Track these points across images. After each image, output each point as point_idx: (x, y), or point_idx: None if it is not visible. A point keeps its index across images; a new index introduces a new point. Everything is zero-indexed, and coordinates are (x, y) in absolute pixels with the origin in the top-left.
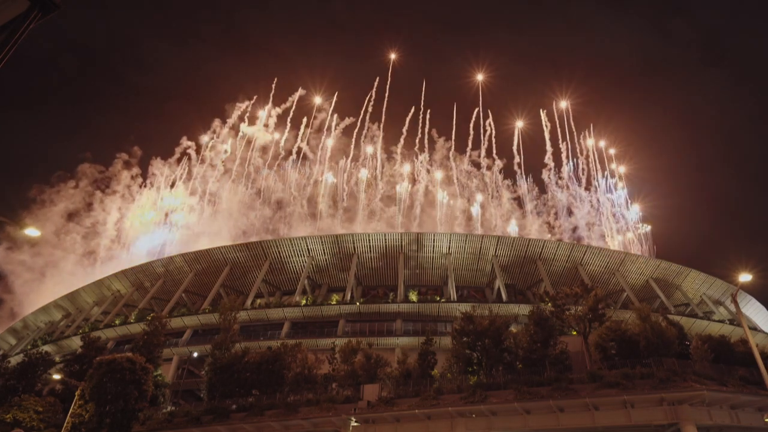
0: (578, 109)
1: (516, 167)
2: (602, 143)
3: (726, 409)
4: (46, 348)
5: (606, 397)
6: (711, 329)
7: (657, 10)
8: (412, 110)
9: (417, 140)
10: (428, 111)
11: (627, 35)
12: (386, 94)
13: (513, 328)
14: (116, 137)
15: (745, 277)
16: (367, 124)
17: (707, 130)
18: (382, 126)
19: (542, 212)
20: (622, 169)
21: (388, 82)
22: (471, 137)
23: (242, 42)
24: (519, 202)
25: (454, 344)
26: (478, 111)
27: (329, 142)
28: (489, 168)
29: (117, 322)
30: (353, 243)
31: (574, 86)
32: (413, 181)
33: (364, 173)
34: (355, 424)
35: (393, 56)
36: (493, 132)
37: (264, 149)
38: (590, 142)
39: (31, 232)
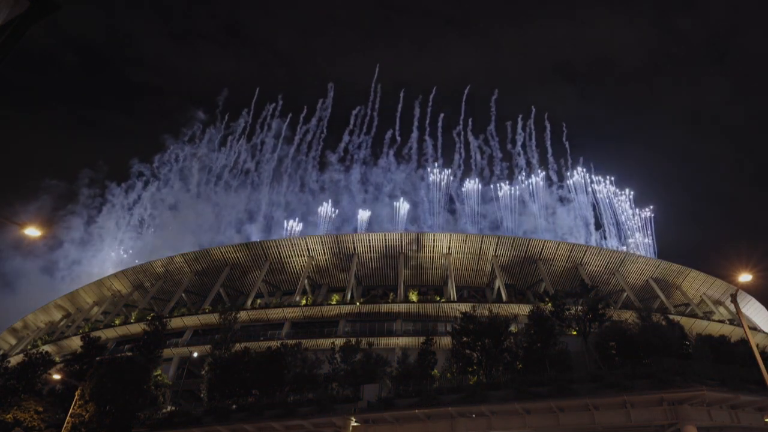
0: (580, 107)
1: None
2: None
3: (726, 409)
4: (46, 348)
5: (606, 397)
6: (711, 329)
7: (661, 8)
8: (417, 114)
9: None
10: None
11: (630, 33)
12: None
13: (513, 328)
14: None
15: (745, 277)
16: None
17: (708, 128)
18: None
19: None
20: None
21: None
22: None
23: (242, 42)
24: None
25: (454, 344)
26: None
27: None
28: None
29: (117, 322)
30: (353, 243)
31: (575, 85)
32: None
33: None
34: (356, 424)
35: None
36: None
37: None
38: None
39: (32, 231)
